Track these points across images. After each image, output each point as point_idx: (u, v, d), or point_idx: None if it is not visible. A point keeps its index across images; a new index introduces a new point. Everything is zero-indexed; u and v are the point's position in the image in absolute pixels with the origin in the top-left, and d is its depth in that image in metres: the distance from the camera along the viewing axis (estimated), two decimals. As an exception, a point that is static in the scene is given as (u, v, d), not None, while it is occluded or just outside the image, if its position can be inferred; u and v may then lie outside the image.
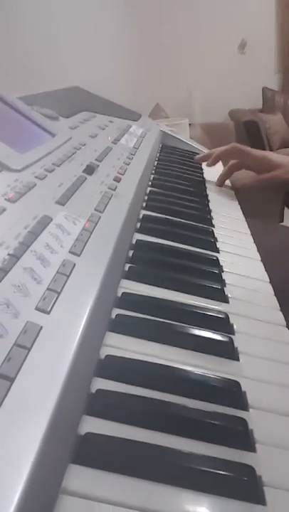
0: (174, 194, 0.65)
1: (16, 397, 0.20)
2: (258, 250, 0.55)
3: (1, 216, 0.34)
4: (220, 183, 0.81)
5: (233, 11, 3.49)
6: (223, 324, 0.37)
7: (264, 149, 3.12)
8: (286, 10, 3.63)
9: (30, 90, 0.79)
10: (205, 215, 0.61)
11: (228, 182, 0.84)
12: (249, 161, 0.80)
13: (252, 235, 0.61)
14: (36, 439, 0.19)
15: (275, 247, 0.72)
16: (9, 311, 0.24)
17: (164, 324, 0.35)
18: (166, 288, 0.40)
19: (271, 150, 3.27)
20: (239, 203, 0.74)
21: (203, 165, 0.88)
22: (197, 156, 0.88)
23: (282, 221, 1.77)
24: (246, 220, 0.66)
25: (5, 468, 0.18)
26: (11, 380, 0.21)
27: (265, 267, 0.51)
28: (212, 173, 0.84)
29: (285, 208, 1.29)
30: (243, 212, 0.70)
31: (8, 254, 0.29)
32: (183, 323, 0.35)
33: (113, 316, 0.34)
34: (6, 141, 0.46)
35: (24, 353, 0.22)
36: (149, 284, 0.40)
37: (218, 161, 0.83)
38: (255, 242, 0.58)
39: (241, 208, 0.72)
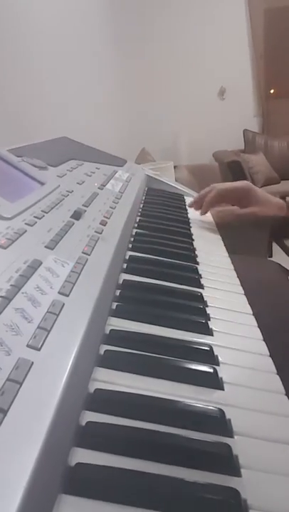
0: (159, 234, 0.68)
1: (8, 429, 0.22)
2: (244, 284, 0.58)
3: (-6, 261, 0.36)
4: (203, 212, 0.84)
5: (212, 60, 3.72)
6: (207, 356, 0.38)
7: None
8: (260, 59, 3.86)
9: (20, 142, 0.83)
10: (189, 253, 0.64)
11: (210, 219, 0.87)
12: (232, 195, 0.84)
13: (236, 270, 0.63)
14: (27, 469, 0.21)
15: (260, 280, 0.75)
16: (2, 349, 0.26)
17: (151, 358, 0.36)
18: (152, 324, 0.42)
19: (255, 188, 3.37)
20: (226, 240, 0.77)
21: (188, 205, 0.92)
22: (189, 205, 0.91)
23: (271, 256, 1.80)
24: (231, 256, 0.69)
25: (-2, 498, 0.19)
26: (4, 413, 0.22)
27: (250, 300, 0.53)
28: (196, 212, 0.88)
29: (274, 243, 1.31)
30: (230, 249, 0.72)
31: (1, 297, 0.31)
32: (169, 356, 0.37)
33: (101, 351, 0.35)
34: (-2, 191, 0.49)
35: (16, 387, 0.24)
36: (136, 321, 0.42)
37: (208, 210, 0.86)
38: (240, 276, 0.60)
39: (228, 245, 0.75)
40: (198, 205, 0.88)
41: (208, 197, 0.83)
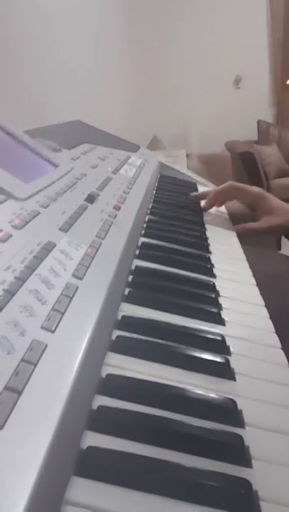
0: (171, 222, 0.67)
1: (23, 410, 0.21)
2: (254, 276, 0.57)
3: (8, 242, 0.35)
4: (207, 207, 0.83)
5: (228, 48, 3.65)
6: (219, 346, 0.38)
7: (260, 179, 3.19)
8: (278, 46, 3.79)
9: (34, 124, 0.82)
10: (202, 242, 0.63)
11: (223, 209, 0.86)
12: (245, 197, 0.82)
13: (248, 261, 0.62)
14: (42, 450, 0.20)
15: (270, 272, 0.74)
16: (16, 330, 0.26)
17: (163, 345, 0.36)
18: (164, 311, 0.41)
19: (267, 180, 3.34)
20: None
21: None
22: (192, 194, 0.90)
23: (280, 249, 1.80)
24: (243, 247, 0.68)
25: (11, 478, 0.19)
26: (19, 393, 0.22)
27: (260, 292, 0.53)
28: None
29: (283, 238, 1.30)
30: (241, 241, 0.72)
31: (15, 278, 0.31)
32: (181, 344, 0.37)
33: (113, 337, 0.35)
34: (12, 171, 0.48)
35: (30, 369, 0.24)
36: (148, 308, 0.41)
37: (214, 204, 0.83)
38: (251, 268, 0.60)
39: (239, 237, 0.74)
40: (203, 196, 0.86)
41: (220, 188, 0.82)
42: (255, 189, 0.81)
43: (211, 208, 0.83)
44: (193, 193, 0.89)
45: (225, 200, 0.85)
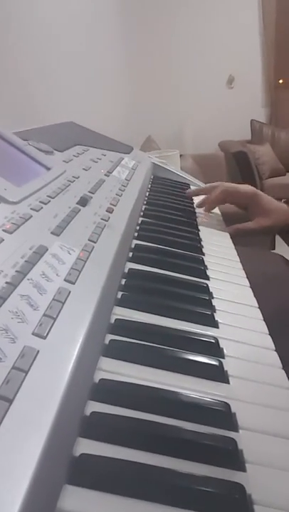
0: (165, 224, 0.67)
1: (13, 418, 0.21)
2: (248, 277, 0.57)
3: (-1, 246, 0.35)
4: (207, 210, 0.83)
5: (221, 48, 3.66)
6: (213, 348, 0.38)
7: (254, 179, 3.20)
8: (270, 46, 3.80)
9: (28, 125, 0.82)
10: (195, 244, 0.63)
11: (217, 210, 0.86)
12: (239, 199, 0.82)
13: (242, 262, 0.62)
14: (33, 459, 0.20)
15: (264, 273, 0.74)
16: (7, 336, 0.25)
17: (156, 349, 0.36)
18: (157, 314, 0.41)
19: (261, 179, 3.35)
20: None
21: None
22: (188, 190, 0.91)
23: (274, 249, 1.80)
24: (236, 248, 0.68)
25: (2, 487, 0.19)
26: (10, 401, 0.22)
27: (254, 293, 0.53)
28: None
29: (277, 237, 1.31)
30: (235, 241, 0.72)
31: (6, 283, 0.31)
32: (174, 347, 0.36)
33: (107, 341, 0.35)
34: (3, 174, 0.48)
35: (22, 376, 0.23)
36: (142, 311, 0.41)
37: (214, 208, 0.84)
38: (244, 269, 0.60)
39: (233, 237, 0.74)
40: (198, 192, 0.87)
41: (213, 195, 0.82)
42: (248, 189, 0.81)
43: (210, 210, 0.84)
44: (189, 190, 0.90)
45: (217, 206, 0.86)
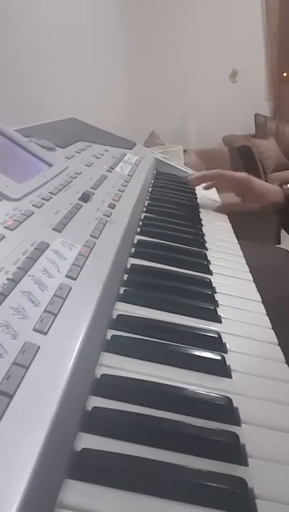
0: (167, 219, 0.67)
1: (14, 413, 0.21)
2: (252, 271, 0.57)
3: (1, 243, 0.35)
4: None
5: (224, 42, 3.63)
6: (215, 343, 0.38)
7: (258, 173, 3.18)
8: (274, 40, 3.77)
9: (31, 122, 0.82)
10: (198, 239, 0.63)
11: (219, 202, 0.87)
12: (231, 182, 0.84)
13: (246, 256, 0.62)
14: (34, 454, 0.20)
15: (270, 267, 0.74)
16: (8, 332, 0.25)
17: (158, 344, 0.36)
18: (160, 310, 0.41)
19: (265, 174, 3.33)
20: (235, 226, 0.76)
21: (197, 190, 0.91)
22: (188, 178, 0.92)
23: (279, 243, 1.79)
24: (241, 243, 0.68)
25: (3, 482, 0.19)
26: (10, 397, 0.22)
27: (257, 288, 0.52)
28: (205, 198, 0.87)
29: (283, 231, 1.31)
30: (240, 236, 0.72)
31: (8, 279, 0.31)
32: (177, 342, 0.36)
33: (108, 337, 0.35)
34: (5, 171, 0.48)
35: (22, 372, 0.23)
36: (144, 306, 0.41)
37: (201, 182, 0.89)
38: (248, 263, 0.60)
39: (237, 231, 0.74)
40: (197, 180, 0.90)
41: (208, 171, 0.85)
42: (240, 174, 0.84)
43: (198, 185, 0.89)
44: (189, 177, 0.93)
45: (211, 184, 0.89)
